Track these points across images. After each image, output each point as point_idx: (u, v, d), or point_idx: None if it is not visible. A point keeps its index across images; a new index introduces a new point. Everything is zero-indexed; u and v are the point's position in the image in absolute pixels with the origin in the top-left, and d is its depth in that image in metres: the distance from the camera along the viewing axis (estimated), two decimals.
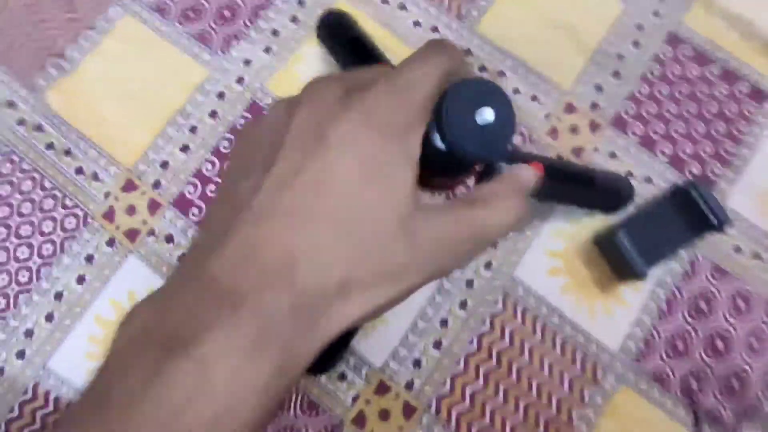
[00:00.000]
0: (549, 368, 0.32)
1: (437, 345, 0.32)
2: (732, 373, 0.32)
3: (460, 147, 0.20)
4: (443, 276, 0.18)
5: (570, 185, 0.30)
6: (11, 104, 0.35)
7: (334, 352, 0.31)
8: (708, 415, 0.31)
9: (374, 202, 0.15)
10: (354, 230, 0.15)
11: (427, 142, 0.22)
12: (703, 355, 0.32)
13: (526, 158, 0.26)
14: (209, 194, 0.34)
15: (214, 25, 0.36)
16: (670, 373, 0.32)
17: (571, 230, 0.34)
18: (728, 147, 0.35)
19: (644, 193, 0.34)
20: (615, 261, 0.32)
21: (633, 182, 0.34)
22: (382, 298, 0.16)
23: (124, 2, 0.37)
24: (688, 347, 0.32)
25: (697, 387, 0.32)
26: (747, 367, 0.32)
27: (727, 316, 0.33)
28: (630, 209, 0.34)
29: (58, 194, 0.34)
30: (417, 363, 0.32)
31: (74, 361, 0.32)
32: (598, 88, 0.36)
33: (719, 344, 0.32)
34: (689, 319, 0.33)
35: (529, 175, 0.19)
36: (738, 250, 0.34)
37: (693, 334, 0.32)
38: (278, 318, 0.14)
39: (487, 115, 0.19)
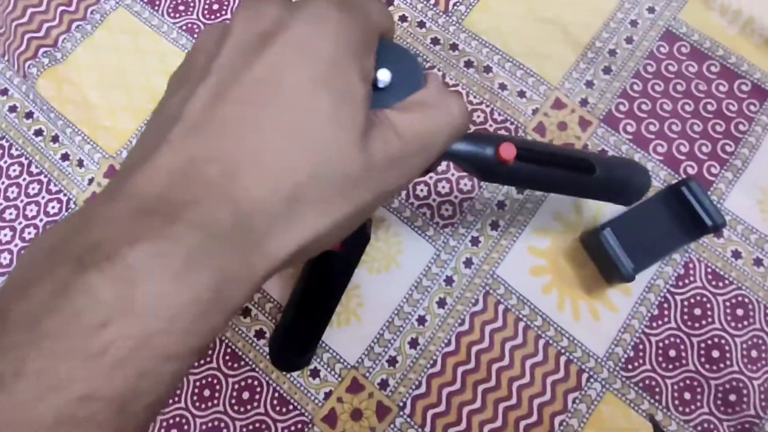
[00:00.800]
0: (530, 372, 0.30)
1: (413, 343, 0.31)
2: (729, 386, 0.30)
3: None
4: (394, 194, 0.16)
5: (560, 171, 0.27)
6: (4, 91, 0.36)
7: (306, 349, 0.30)
8: (702, 431, 0.29)
9: (327, 111, 0.14)
10: (304, 140, 0.13)
11: None
12: (697, 364, 0.30)
13: (497, 140, 0.24)
14: None
15: (202, 18, 0.37)
16: (661, 383, 0.30)
17: (558, 228, 0.32)
18: (727, 146, 0.34)
19: None
20: (601, 261, 0.31)
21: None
22: (334, 217, 0.14)
23: None
24: (681, 356, 0.30)
25: (691, 399, 0.30)
26: (745, 380, 0.30)
27: (724, 324, 0.31)
28: (620, 208, 0.32)
29: (44, 179, 0.34)
30: (392, 361, 0.31)
31: None
32: (589, 84, 0.35)
33: (715, 354, 0.30)
34: (683, 326, 0.31)
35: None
36: (737, 254, 0.32)
37: (687, 342, 0.30)
38: (216, 234, 0.12)
39: (382, 76, 0.18)
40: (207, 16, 0.37)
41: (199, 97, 0.14)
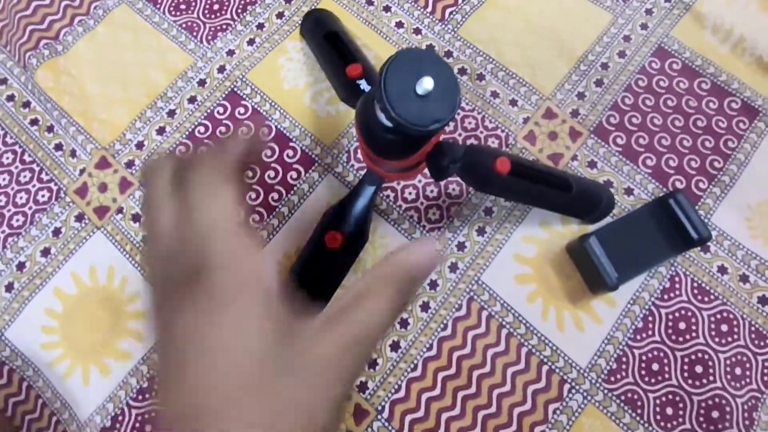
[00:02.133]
0: (512, 380, 0.30)
1: (395, 347, 0.31)
2: (712, 402, 0.29)
3: (404, 119, 0.19)
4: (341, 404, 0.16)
5: (543, 188, 0.29)
6: (3, 81, 0.36)
7: None
8: None
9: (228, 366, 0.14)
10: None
11: (373, 123, 0.22)
12: (680, 379, 0.30)
13: (495, 154, 0.25)
14: None
15: (202, 17, 0.38)
16: (644, 397, 0.30)
17: (544, 236, 0.32)
18: (716, 162, 0.34)
19: (624, 204, 0.33)
20: (586, 270, 0.31)
21: (613, 193, 0.33)
22: None
23: None
24: (664, 370, 0.30)
25: (673, 414, 0.29)
26: (728, 397, 0.29)
27: (708, 339, 0.30)
28: (608, 219, 0.32)
29: (36, 168, 0.35)
30: (372, 364, 0.30)
31: (29, 334, 0.31)
32: (581, 96, 0.35)
33: (698, 369, 0.30)
34: (666, 340, 0.30)
35: (419, 256, 0.16)
36: (723, 270, 0.32)
37: (670, 356, 0.30)
38: None
39: (426, 84, 0.19)
40: (207, 15, 0.38)
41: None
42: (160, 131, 0.35)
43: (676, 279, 0.31)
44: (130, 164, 0.34)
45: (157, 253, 0.17)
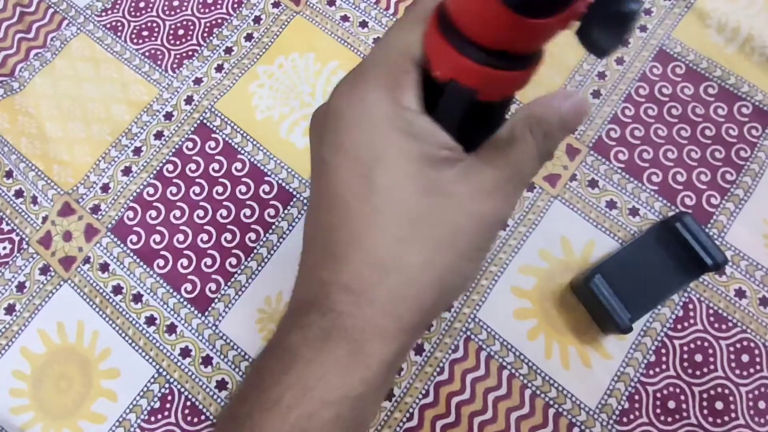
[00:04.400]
0: (516, 426, 0.28)
1: (388, 396, 0.28)
2: None
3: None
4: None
5: None
6: None
7: None
8: None
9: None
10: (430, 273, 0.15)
11: None
12: (699, 417, 0.27)
13: None
14: (149, 220, 0.32)
15: (167, 44, 0.35)
16: None
17: (544, 266, 0.30)
18: (728, 175, 0.31)
19: (630, 227, 0.30)
20: (593, 310, 0.28)
21: (616, 214, 0.30)
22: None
23: (79, 21, 0.36)
24: (682, 407, 0.28)
25: None
26: None
27: (728, 371, 0.28)
28: (611, 245, 0.30)
29: None
30: None
31: None
32: None
33: (718, 405, 0.27)
34: (682, 375, 0.28)
35: (571, 106, 0.16)
36: (740, 293, 0.29)
37: (687, 392, 0.28)
38: (339, 334, 0.15)
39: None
40: (172, 42, 0.35)
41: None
42: (126, 171, 0.33)
43: (690, 306, 0.29)
44: (95, 209, 0.32)
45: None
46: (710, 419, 0.27)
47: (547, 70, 0.33)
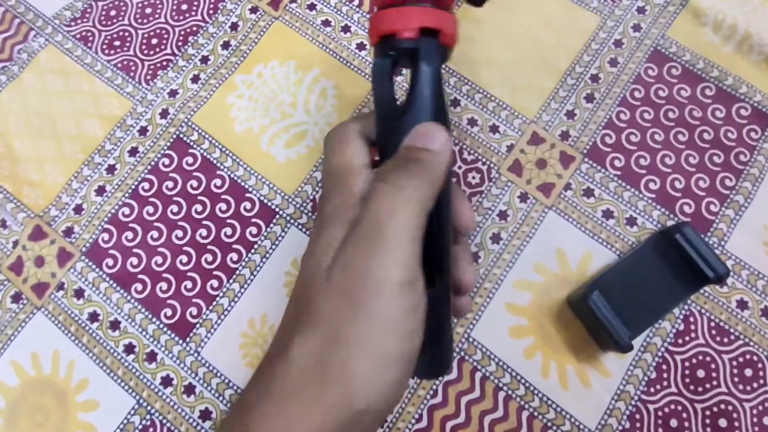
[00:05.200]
0: None
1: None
2: None
3: None
4: None
5: None
6: None
7: None
8: None
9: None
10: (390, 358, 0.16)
11: None
12: None
13: None
14: (125, 243, 0.30)
15: (140, 54, 0.33)
16: None
17: (539, 280, 0.29)
18: (727, 180, 0.30)
19: (628, 237, 0.29)
20: (592, 328, 0.27)
21: (613, 224, 0.29)
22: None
23: (47, 32, 0.34)
24: (684, 426, 0.27)
25: None
26: None
27: (731, 387, 0.27)
28: (609, 257, 0.29)
29: None
30: None
31: None
32: (570, 115, 0.31)
33: (722, 423, 0.26)
34: (684, 391, 0.27)
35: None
36: (742, 305, 0.28)
37: (690, 409, 0.27)
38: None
39: None
40: (145, 51, 0.33)
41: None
42: (100, 191, 0.31)
43: (691, 319, 0.28)
44: (68, 232, 0.30)
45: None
46: None
47: (536, 74, 0.32)
